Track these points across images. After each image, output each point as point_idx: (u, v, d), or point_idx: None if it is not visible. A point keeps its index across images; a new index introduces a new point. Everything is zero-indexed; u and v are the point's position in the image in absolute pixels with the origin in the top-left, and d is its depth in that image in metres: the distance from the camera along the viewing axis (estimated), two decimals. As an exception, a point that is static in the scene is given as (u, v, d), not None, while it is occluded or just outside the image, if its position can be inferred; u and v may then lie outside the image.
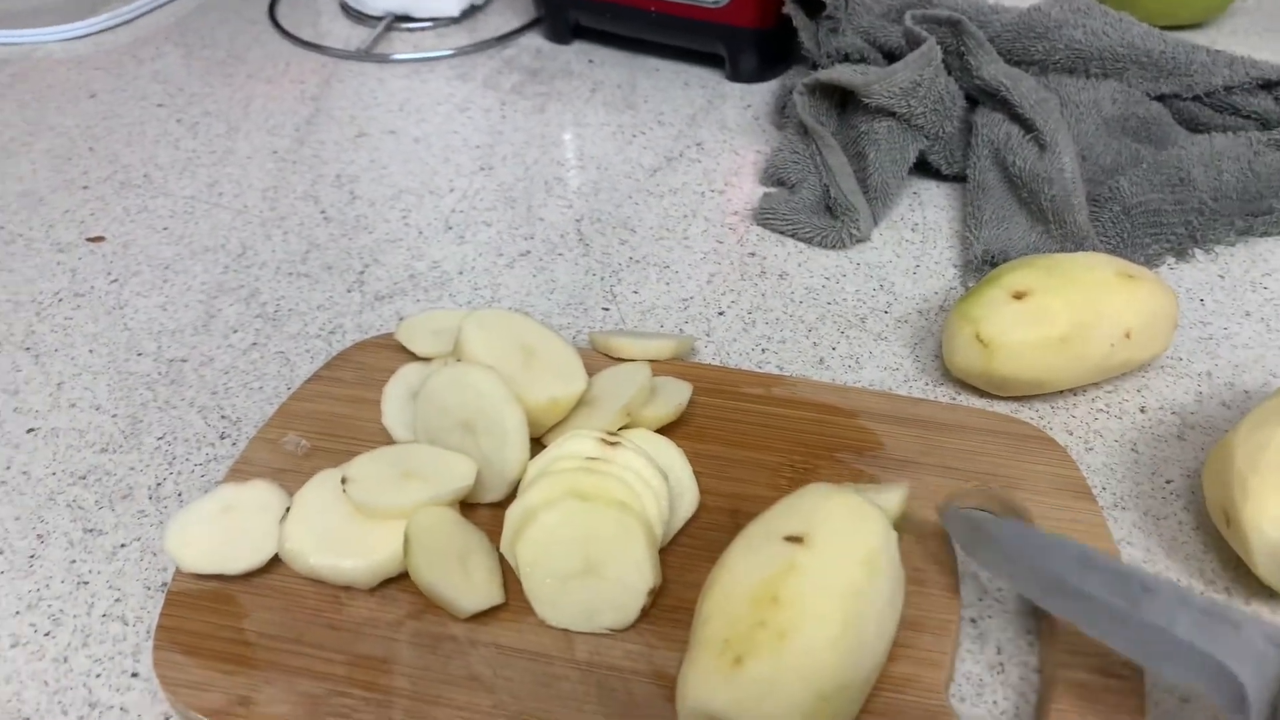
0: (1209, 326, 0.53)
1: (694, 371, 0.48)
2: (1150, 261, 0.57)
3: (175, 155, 0.68)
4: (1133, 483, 0.45)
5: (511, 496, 0.41)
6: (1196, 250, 0.59)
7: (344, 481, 0.40)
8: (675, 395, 0.45)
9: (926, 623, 0.38)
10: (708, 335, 0.53)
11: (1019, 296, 0.47)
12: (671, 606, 0.38)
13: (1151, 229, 0.58)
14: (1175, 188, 0.58)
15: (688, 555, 0.40)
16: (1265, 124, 0.65)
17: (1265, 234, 0.60)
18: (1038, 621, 0.39)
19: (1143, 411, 0.49)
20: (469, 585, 0.37)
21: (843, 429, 0.45)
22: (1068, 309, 0.47)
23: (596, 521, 0.37)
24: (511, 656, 0.37)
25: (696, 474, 0.42)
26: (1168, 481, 0.45)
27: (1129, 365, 0.49)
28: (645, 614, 0.38)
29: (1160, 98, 0.67)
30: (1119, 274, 0.48)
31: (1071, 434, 0.47)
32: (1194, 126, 0.66)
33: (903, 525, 0.41)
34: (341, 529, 0.38)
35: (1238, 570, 0.41)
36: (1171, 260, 0.58)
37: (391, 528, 0.38)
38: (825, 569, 0.34)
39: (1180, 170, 0.59)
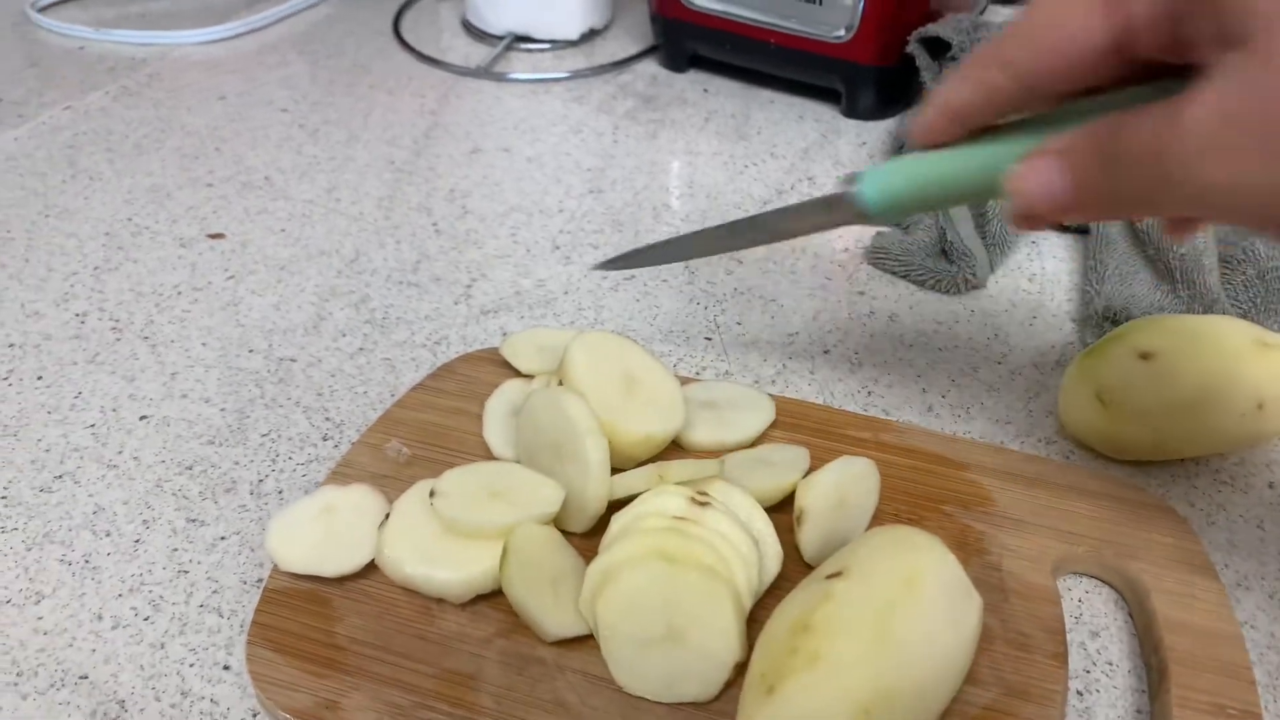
0: (1346, 402, 0.50)
1: (798, 410, 0.47)
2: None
3: (297, 160, 0.70)
4: (1258, 562, 0.43)
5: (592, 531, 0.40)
6: (1335, 321, 0.56)
7: (432, 494, 0.40)
8: (789, 470, 0.43)
9: (1031, 690, 0.36)
10: (811, 373, 0.52)
11: (1145, 357, 0.45)
12: None
13: (1287, 296, 0.55)
14: (1316, 254, 0.56)
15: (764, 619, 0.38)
16: None
17: None
18: (1151, 701, 0.37)
19: (1271, 488, 0.46)
20: (557, 609, 0.37)
21: (952, 481, 0.44)
22: (1197, 374, 0.44)
23: (682, 586, 0.35)
24: (598, 685, 0.36)
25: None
26: (1297, 564, 0.43)
27: (1258, 438, 0.46)
28: (729, 686, 0.36)
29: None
30: (1255, 341, 0.46)
31: (1193, 505, 0.45)
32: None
33: (1012, 588, 0.39)
34: (438, 540, 0.38)
35: (1373, 666, 0.38)
36: (1307, 330, 0.55)
37: (487, 544, 0.38)
38: (859, 593, 0.33)
39: (1321, 236, 0.56)
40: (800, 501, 0.41)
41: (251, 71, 0.81)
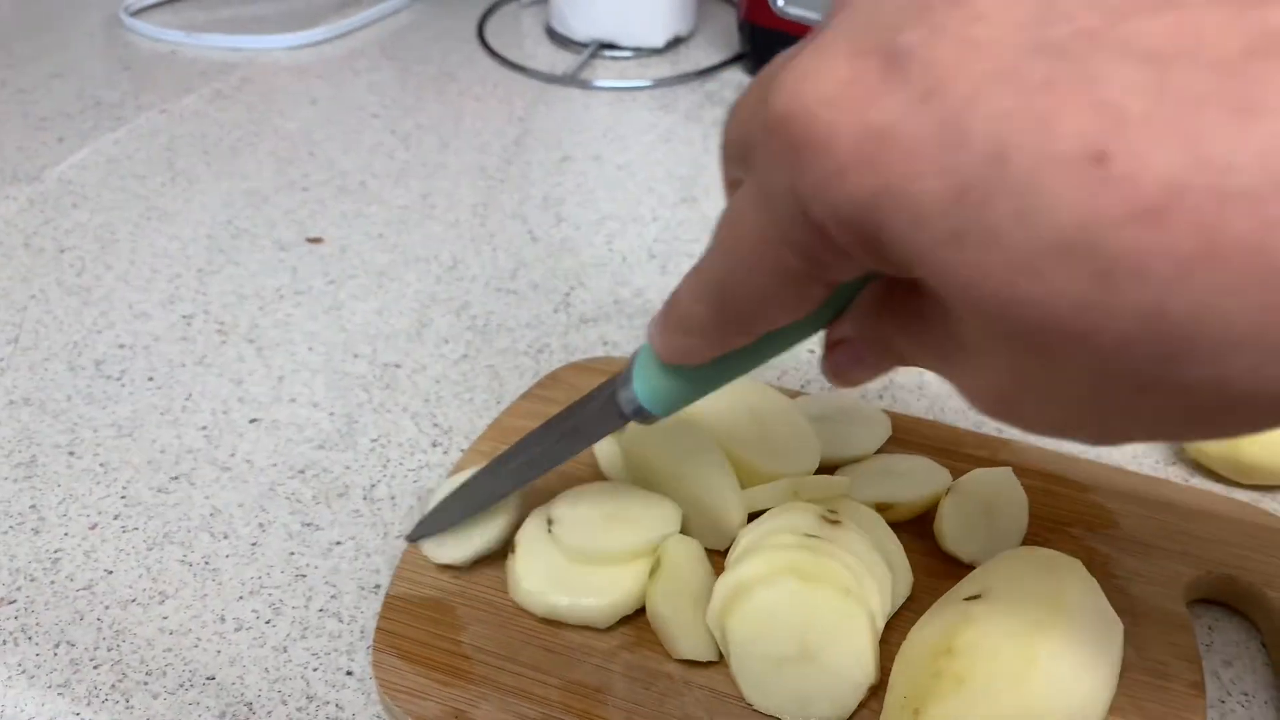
0: None
1: (913, 425, 0.47)
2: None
3: (389, 165, 0.70)
4: (1391, 593, 0.41)
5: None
6: None
7: (550, 523, 0.40)
8: (928, 481, 0.42)
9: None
10: (920, 389, 0.51)
11: (1274, 379, 0.44)
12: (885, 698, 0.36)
13: None
14: None
15: (901, 638, 0.37)
16: None
17: None
18: (1292, 734, 0.36)
19: (1403, 515, 0.45)
20: (695, 629, 0.36)
21: (1074, 503, 0.43)
22: (1330, 397, 0.43)
23: (817, 605, 0.35)
24: (726, 702, 0.36)
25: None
26: None
27: (1389, 463, 0.45)
28: (860, 707, 0.35)
29: None
30: (1387, 364, 0.45)
31: (1321, 532, 0.44)
32: None
33: (1143, 613, 0.39)
34: (572, 568, 0.38)
35: None
36: None
37: (619, 567, 0.38)
38: (1001, 614, 0.33)
39: None
40: (947, 512, 0.41)
41: (340, 76, 0.82)
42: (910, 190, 0.19)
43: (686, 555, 0.38)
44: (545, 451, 0.39)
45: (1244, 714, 0.37)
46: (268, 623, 0.41)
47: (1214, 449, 0.45)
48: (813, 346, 0.54)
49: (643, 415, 0.34)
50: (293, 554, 0.43)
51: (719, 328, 0.28)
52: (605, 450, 0.45)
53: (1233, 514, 0.43)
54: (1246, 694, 0.38)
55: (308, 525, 0.45)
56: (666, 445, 0.40)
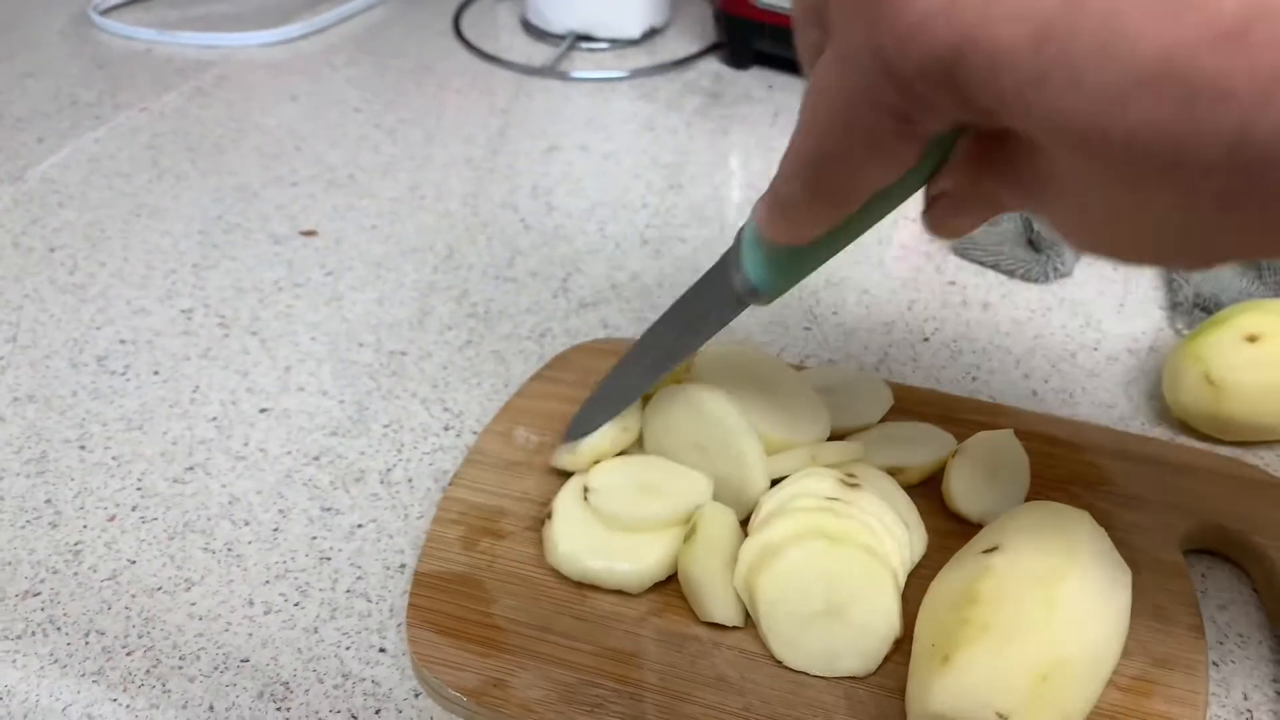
0: None
1: (913, 394, 0.48)
2: (1367, 314, 0.56)
3: (376, 158, 0.71)
4: (1368, 537, 0.44)
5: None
6: None
7: (586, 491, 0.41)
8: (936, 445, 0.44)
9: (1176, 661, 0.37)
10: (914, 360, 0.53)
11: (1252, 339, 0.46)
12: (906, 653, 0.37)
13: (1370, 281, 0.56)
14: (1395, 240, 0.57)
15: (919, 594, 0.38)
16: None
17: None
18: (1287, 670, 0.39)
19: (1374, 465, 0.47)
20: (725, 592, 0.38)
21: (1071, 462, 0.45)
22: (1305, 355, 0.46)
23: (843, 564, 0.36)
24: (757, 660, 0.37)
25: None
26: None
27: (1361, 417, 0.48)
28: (886, 660, 0.37)
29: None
30: (1356, 323, 0.47)
31: (1300, 483, 0.46)
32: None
33: (1142, 563, 0.41)
34: (607, 535, 0.39)
35: None
36: (1389, 314, 0.56)
37: (651, 535, 0.39)
38: (1020, 564, 0.34)
39: (1400, 223, 0.57)
40: (955, 473, 0.42)
41: (318, 72, 0.82)
42: (991, 37, 0.19)
43: (722, 522, 0.39)
44: (674, 343, 0.41)
45: (1241, 654, 0.39)
46: (296, 605, 0.41)
47: (1199, 408, 0.47)
48: (808, 324, 0.56)
49: (755, 295, 0.35)
50: (315, 538, 0.44)
51: (818, 204, 0.28)
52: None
53: (1218, 468, 0.45)
54: (1242, 635, 0.40)
55: (328, 510, 0.45)
56: (689, 416, 0.41)
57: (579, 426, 0.43)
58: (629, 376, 0.43)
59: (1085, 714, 0.33)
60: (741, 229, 0.35)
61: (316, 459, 0.48)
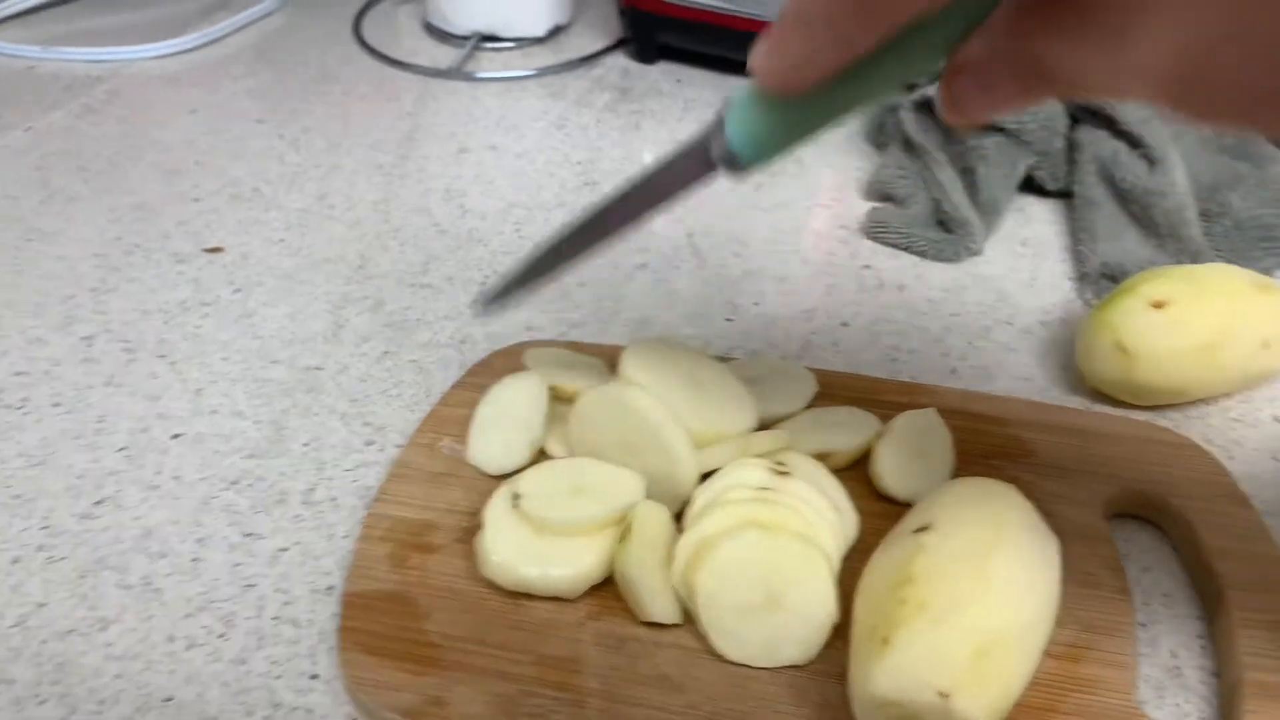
0: (1330, 339, 0.54)
1: (836, 380, 0.48)
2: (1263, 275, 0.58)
3: (281, 169, 0.69)
4: (1276, 490, 0.45)
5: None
6: (1307, 264, 0.59)
7: (516, 497, 0.40)
8: (862, 427, 0.44)
9: (1104, 625, 0.38)
10: (835, 345, 0.53)
11: (1159, 306, 0.47)
12: (845, 638, 0.36)
13: (1263, 243, 0.58)
14: (1283, 203, 0.59)
15: (856, 577, 0.38)
16: (1359, 142, 0.66)
17: (1373, 249, 0.60)
18: (1209, 625, 0.40)
19: (1277, 421, 0.49)
20: (663, 591, 0.37)
21: (994, 436, 0.46)
22: (1209, 318, 0.47)
23: (778, 553, 0.36)
24: (698, 657, 0.37)
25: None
26: (1313, 489, 0.46)
27: (1263, 376, 0.49)
28: (826, 647, 0.37)
29: (1254, 116, 0.68)
30: (1253, 284, 0.49)
31: (1211, 443, 0.48)
32: (1286, 145, 0.67)
33: (1068, 531, 0.41)
34: (540, 540, 0.39)
35: (1399, 576, 0.41)
36: (1281, 274, 0.59)
37: (584, 538, 0.39)
38: (951, 541, 0.35)
39: (1287, 186, 0.60)
40: (881, 455, 0.43)
41: (216, 83, 0.79)
42: None
43: (655, 520, 0.39)
44: (622, 210, 0.37)
45: (1167, 613, 0.40)
46: (221, 636, 0.40)
47: (1111, 376, 0.48)
48: (730, 316, 0.56)
49: (734, 162, 0.32)
50: (237, 565, 0.42)
51: (843, 22, 0.25)
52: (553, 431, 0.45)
53: (1134, 434, 0.46)
54: (1166, 595, 0.41)
55: (249, 535, 0.44)
56: (615, 415, 0.41)
57: (493, 294, 0.41)
58: (559, 247, 0.39)
59: (1024, 685, 0.34)
60: (726, 101, 0.32)
61: (234, 483, 0.46)
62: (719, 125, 0.32)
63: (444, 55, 0.83)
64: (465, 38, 0.84)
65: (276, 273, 0.59)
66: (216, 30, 0.85)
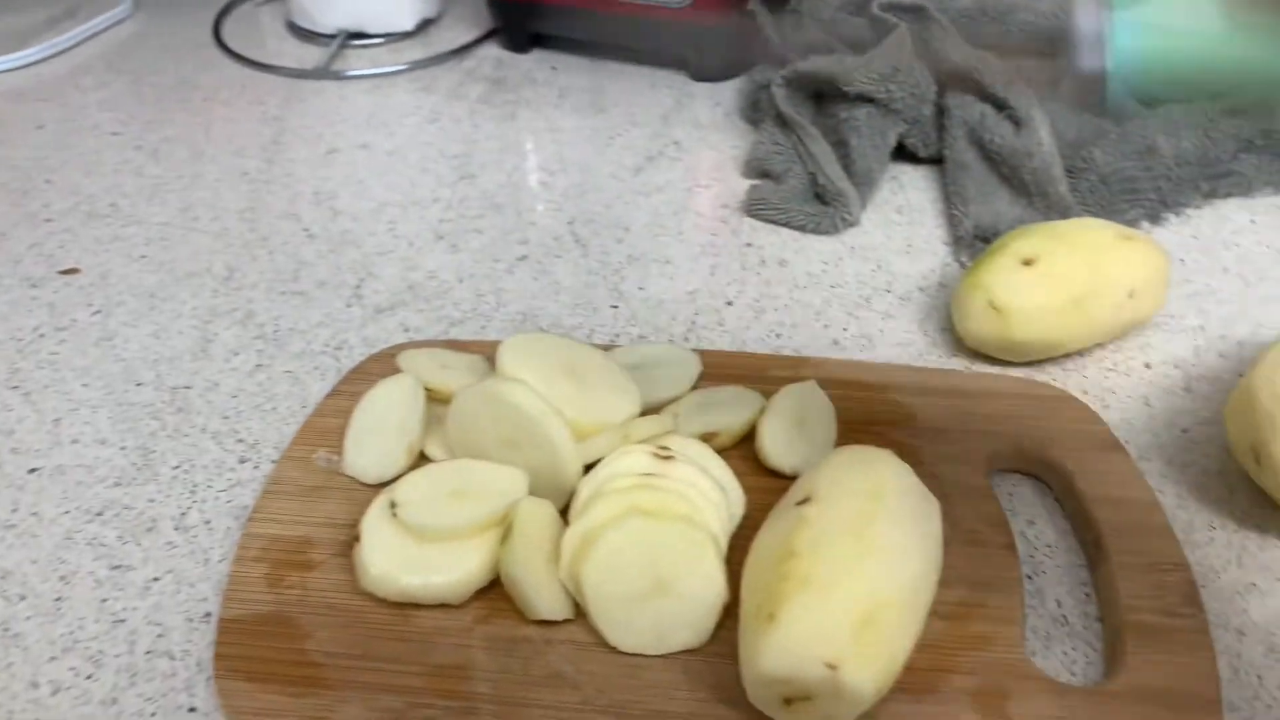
0: (1193, 284, 0.56)
1: (720, 359, 0.48)
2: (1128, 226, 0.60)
3: (140, 183, 0.65)
4: (1151, 435, 0.47)
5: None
6: (1168, 214, 0.61)
7: (393, 506, 0.39)
8: (747, 405, 0.44)
9: (992, 582, 0.39)
10: (720, 325, 0.53)
11: (1028, 263, 0.48)
12: (738, 617, 0.36)
13: (1127, 195, 0.60)
14: (1143, 155, 0.61)
15: (744, 555, 0.38)
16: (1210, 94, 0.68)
17: (1228, 195, 0.62)
18: (1092, 572, 0.40)
19: (1148, 367, 0.50)
20: (550, 588, 0.36)
21: (875, 403, 0.46)
22: (1076, 271, 0.48)
23: (664, 538, 0.36)
24: (590, 651, 0.36)
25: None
26: (1183, 431, 0.47)
27: (1132, 324, 0.51)
28: (719, 629, 0.36)
29: (1112, 74, 0.70)
30: (1117, 236, 0.50)
31: (1086, 394, 0.49)
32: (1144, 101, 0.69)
33: (952, 491, 0.42)
34: (421, 547, 0.37)
35: (1265, 507, 0.43)
36: (1146, 225, 0.60)
37: (464, 542, 0.37)
38: (831, 512, 0.35)
39: (1146, 139, 0.61)
40: (765, 430, 0.42)
41: (67, 96, 0.75)
42: None
43: (538, 517, 0.38)
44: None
45: (1051, 564, 0.41)
46: (89, 678, 0.37)
47: (987, 335, 0.49)
48: (615, 302, 0.55)
49: (1099, 84, 0.26)
50: (105, 600, 0.40)
51: None
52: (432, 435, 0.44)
53: (1012, 390, 0.47)
54: (1050, 546, 0.42)
55: (118, 568, 0.41)
56: (493, 412, 0.40)
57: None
58: None
59: (910, 649, 0.34)
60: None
61: (100, 514, 0.44)
62: (1094, 35, 0.26)
63: (309, 55, 0.81)
64: (331, 36, 0.82)
65: (138, 291, 0.56)
66: (64, 40, 0.81)
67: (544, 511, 0.38)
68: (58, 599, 0.40)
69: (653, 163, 0.67)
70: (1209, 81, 0.24)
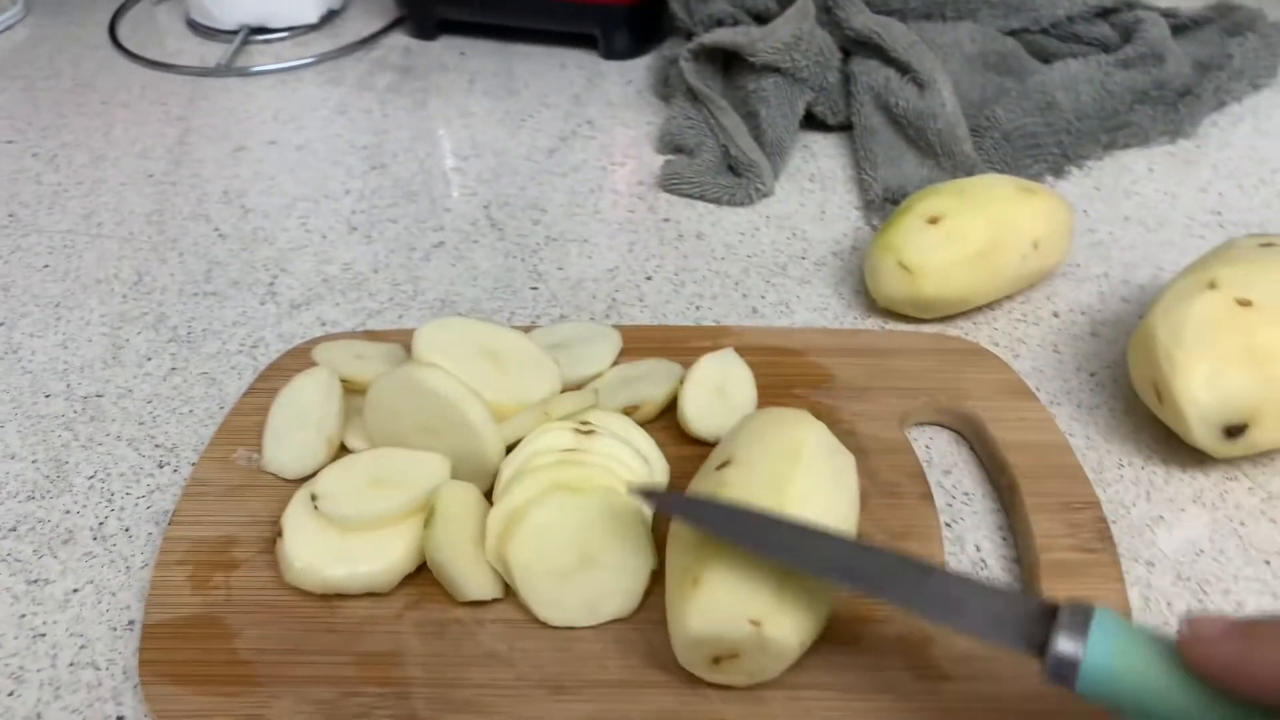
0: (1096, 234, 0.57)
1: (641, 333, 0.49)
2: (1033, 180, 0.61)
3: (39, 190, 0.64)
4: (1061, 380, 0.48)
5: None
6: (1071, 167, 0.63)
7: (314, 498, 0.38)
8: (666, 377, 0.45)
9: (912, 531, 0.40)
10: (641, 300, 0.53)
11: (934, 221, 0.49)
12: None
13: (1030, 151, 0.62)
14: (1044, 111, 0.62)
15: (669, 524, 0.38)
16: (1106, 48, 0.70)
17: (1126, 146, 0.64)
18: (1008, 516, 0.42)
19: (1056, 316, 0.52)
20: (478, 569, 0.37)
21: (794, 367, 0.47)
22: (980, 227, 0.49)
23: (588, 511, 0.36)
24: (522, 628, 0.36)
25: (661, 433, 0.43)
26: (1091, 374, 0.48)
27: (1038, 275, 0.52)
28: (647, 595, 0.37)
29: (1011, 33, 0.71)
30: (1019, 189, 0.51)
31: (997, 345, 0.50)
32: (1044, 58, 0.70)
33: (870, 447, 0.43)
34: (345, 538, 0.37)
35: (1169, 443, 0.44)
36: (1050, 178, 0.62)
37: (388, 529, 0.37)
38: (750, 473, 0.35)
39: (1046, 95, 0.63)
40: (686, 399, 0.43)
41: (-44, 106, 0.73)
42: None
43: (461, 500, 0.38)
44: (871, 581, 0.32)
45: (968, 510, 0.42)
46: (11, 695, 0.37)
47: (899, 294, 0.50)
48: (534, 284, 0.55)
49: (1064, 677, 0.28)
50: (24, 616, 0.39)
51: None
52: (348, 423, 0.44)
53: (925, 346, 0.48)
54: (967, 494, 0.43)
55: (35, 582, 0.40)
56: (410, 398, 0.39)
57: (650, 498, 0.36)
58: (755, 532, 0.33)
59: (833, 602, 0.35)
60: (1088, 610, 0.29)
61: (13, 530, 0.43)
62: (1072, 626, 0.28)
63: (211, 52, 0.79)
64: (233, 32, 0.80)
65: (43, 300, 0.55)
66: (-49, 49, 0.78)
67: (467, 494, 0.38)
68: (-26, 618, 0.39)
69: (566, 143, 0.67)
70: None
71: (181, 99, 0.73)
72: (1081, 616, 0.28)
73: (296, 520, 0.38)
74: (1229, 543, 0.41)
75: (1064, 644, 0.28)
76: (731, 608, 0.32)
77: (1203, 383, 0.41)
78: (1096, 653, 0.28)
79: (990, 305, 0.52)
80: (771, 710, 0.34)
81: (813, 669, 0.35)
